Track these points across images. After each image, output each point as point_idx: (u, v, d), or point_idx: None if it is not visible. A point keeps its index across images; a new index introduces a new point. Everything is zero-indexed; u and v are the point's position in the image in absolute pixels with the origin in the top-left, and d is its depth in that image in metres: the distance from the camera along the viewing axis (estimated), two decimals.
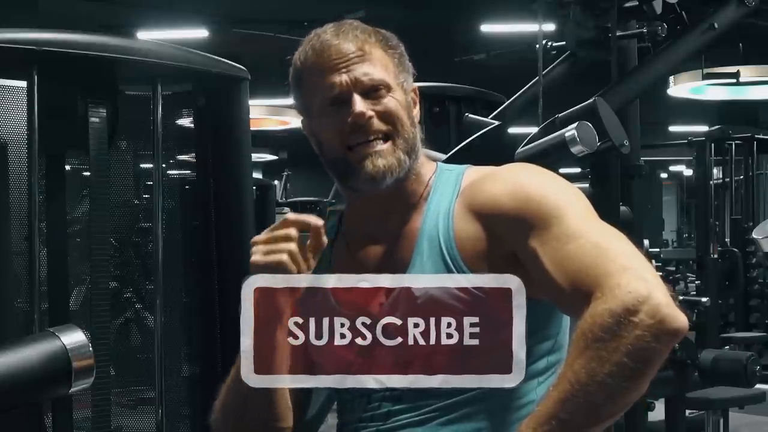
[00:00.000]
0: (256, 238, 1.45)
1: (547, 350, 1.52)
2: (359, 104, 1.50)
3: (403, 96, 1.55)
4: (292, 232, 1.43)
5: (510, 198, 1.48)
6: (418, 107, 1.60)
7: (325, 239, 1.44)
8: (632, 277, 1.30)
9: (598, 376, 1.25)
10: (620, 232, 1.42)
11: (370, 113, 1.50)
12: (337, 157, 1.54)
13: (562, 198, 1.46)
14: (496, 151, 2.93)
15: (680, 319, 1.28)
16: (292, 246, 1.42)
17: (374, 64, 1.53)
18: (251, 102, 2.70)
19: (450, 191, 1.56)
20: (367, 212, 1.59)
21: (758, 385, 3.86)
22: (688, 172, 17.44)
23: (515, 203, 1.46)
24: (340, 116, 1.51)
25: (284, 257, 1.42)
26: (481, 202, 1.51)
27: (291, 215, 1.44)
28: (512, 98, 3.51)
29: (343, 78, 1.51)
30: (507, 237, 1.47)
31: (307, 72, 1.55)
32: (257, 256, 1.43)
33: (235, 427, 1.57)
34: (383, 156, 1.51)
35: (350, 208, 1.64)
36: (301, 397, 1.63)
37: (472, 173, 1.59)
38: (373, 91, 1.52)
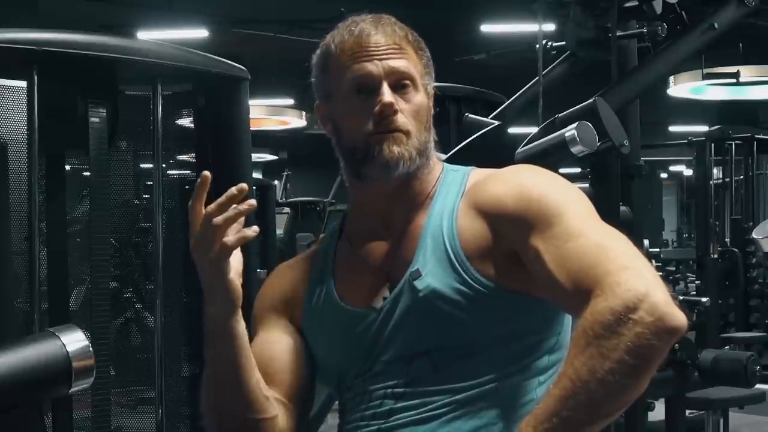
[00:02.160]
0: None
1: (548, 348, 1.53)
2: (388, 94, 1.51)
3: (425, 99, 1.57)
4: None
5: (512, 197, 1.49)
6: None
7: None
8: (632, 275, 1.31)
9: (599, 374, 1.26)
10: (621, 233, 1.43)
11: (397, 106, 1.51)
12: (356, 143, 1.54)
13: (563, 198, 1.47)
14: (496, 151, 2.93)
15: (679, 317, 1.29)
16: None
17: (407, 60, 1.54)
18: (251, 102, 2.70)
19: (455, 191, 1.57)
20: (373, 210, 1.60)
21: (758, 385, 3.86)
22: (688, 172, 17.45)
23: (518, 203, 1.48)
24: (367, 104, 1.52)
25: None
26: (485, 201, 1.52)
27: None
28: (512, 98, 3.51)
29: (376, 66, 1.52)
30: (509, 236, 1.48)
31: (340, 55, 1.55)
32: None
33: (218, 418, 1.57)
34: (398, 144, 1.52)
35: (356, 206, 1.65)
36: (302, 394, 1.62)
37: (476, 174, 1.60)
38: (401, 86, 1.53)
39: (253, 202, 1.43)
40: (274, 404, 1.56)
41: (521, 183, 1.51)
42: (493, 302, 1.47)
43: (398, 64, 1.53)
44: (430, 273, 1.49)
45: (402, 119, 1.52)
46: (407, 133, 1.53)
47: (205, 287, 1.49)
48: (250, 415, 1.54)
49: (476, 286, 1.47)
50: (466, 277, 1.47)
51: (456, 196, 1.56)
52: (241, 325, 1.51)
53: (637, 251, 1.38)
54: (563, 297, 1.40)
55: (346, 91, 1.54)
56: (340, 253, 1.63)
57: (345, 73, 1.54)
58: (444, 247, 1.51)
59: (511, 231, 1.47)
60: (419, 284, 1.49)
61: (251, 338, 1.61)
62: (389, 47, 1.53)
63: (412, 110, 1.54)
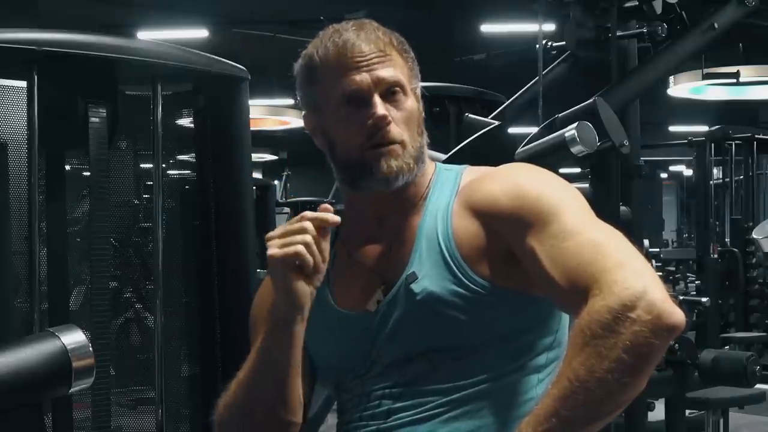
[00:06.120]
0: (271, 233, 1.44)
1: (546, 346, 1.53)
2: (380, 107, 1.50)
3: (415, 103, 1.56)
4: (307, 225, 1.42)
5: (507, 196, 1.48)
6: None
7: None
8: (629, 273, 1.30)
9: (597, 373, 1.25)
10: (617, 230, 1.43)
11: (390, 117, 1.50)
12: (351, 157, 1.53)
13: (559, 196, 1.47)
14: (496, 151, 2.93)
15: (677, 314, 1.29)
16: (308, 237, 1.41)
17: (393, 66, 1.53)
18: (251, 102, 2.70)
19: (448, 191, 1.56)
20: (367, 213, 1.60)
21: (758, 385, 3.86)
22: (688, 172, 17.44)
23: (513, 201, 1.47)
24: (359, 117, 1.51)
25: (300, 248, 1.41)
26: (479, 200, 1.52)
27: (309, 213, 1.44)
28: (512, 98, 3.51)
29: (364, 77, 1.50)
30: (505, 235, 1.48)
31: (326, 68, 1.53)
32: (273, 249, 1.42)
33: (243, 415, 1.55)
34: (396, 158, 1.51)
35: (350, 209, 1.64)
36: (306, 396, 1.62)
37: (470, 173, 1.59)
38: (391, 93, 1.52)
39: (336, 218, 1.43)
40: (301, 411, 1.55)
41: (516, 181, 1.50)
42: (489, 302, 1.47)
43: (386, 73, 1.51)
44: (427, 276, 1.49)
45: (395, 130, 1.51)
46: (402, 143, 1.52)
47: (281, 289, 1.46)
48: (283, 414, 1.53)
49: (473, 286, 1.47)
50: (463, 279, 1.47)
51: (450, 196, 1.55)
52: (303, 326, 1.49)
53: (634, 249, 1.38)
54: (560, 296, 1.40)
55: (336, 104, 1.52)
56: (336, 256, 1.63)
57: (333, 87, 1.52)
58: (439, 249, 1.50)
59: (507, 230, 1.47)
60: (416, 287, 1.49)
61: (251, 343, 1.60)
62: (375, 55, 1.51)
63: (404, 117, 1.52)
